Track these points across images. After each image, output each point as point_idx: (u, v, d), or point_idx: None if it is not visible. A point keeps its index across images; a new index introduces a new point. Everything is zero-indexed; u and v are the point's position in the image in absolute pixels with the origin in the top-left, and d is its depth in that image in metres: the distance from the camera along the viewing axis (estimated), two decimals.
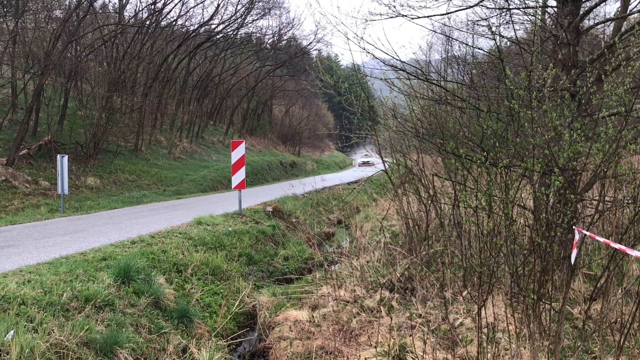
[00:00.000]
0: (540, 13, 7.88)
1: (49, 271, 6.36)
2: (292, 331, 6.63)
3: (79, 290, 5.88)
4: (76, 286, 5.93)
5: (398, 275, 7.56)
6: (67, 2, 23.97)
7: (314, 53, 46.40)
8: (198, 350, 6.11)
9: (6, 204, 15.06)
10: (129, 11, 35.31)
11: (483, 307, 4.63)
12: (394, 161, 9.61)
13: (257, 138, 47.08)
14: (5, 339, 4.54)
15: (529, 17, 9.71)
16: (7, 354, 4.43)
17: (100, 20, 25.27)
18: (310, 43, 44.47)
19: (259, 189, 23.49)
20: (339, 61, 56.60)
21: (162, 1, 28.41)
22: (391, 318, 5.99)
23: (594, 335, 4.96)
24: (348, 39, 9.15)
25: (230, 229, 11.02)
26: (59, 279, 6.08)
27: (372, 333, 5.92)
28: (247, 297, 8.36)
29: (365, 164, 50.00)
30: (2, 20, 19.93)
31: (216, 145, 37.09)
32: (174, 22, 31.74)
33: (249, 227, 11.66)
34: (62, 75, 22.15)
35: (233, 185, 12.41)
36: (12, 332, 4.64)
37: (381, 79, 9.17)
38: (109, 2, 31.46)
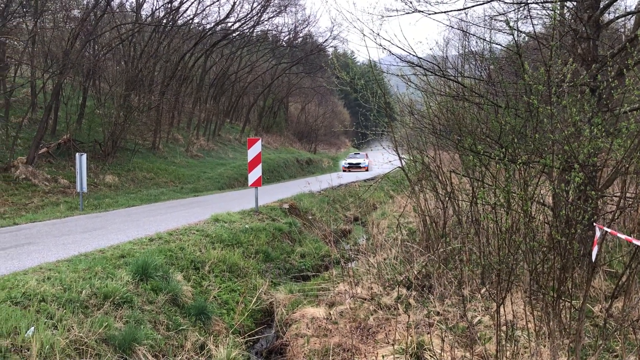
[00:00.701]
0: (559, 7, 7.76)
1: (68, 268, 6.43)
2: (309, 328, 6.64)
3: (97, 287, 5.93)
4: (95, 283, 5.99)
5: (415, 272, 7.52)
6: (85, 2, 24.24)
7: (330, 50, 46.50)
8: (216, 347, 6.15)
9: (26, 202, 15.28)
10: (145, 10, 35.52)
11: (502, 305, 4.58)
12: (411, 158, 9.55)
13: (273, 135, 47.21)
14: (26, 335, 4.60)
15: (548, 11, 9.57)
16: (28, 350, 4.49)
17: (117, 19, 25.47)
18: (326, 40, 44.60)
19: (276, 187, 23.55)
20: (355, 58, 56.45)
21: (179, 0, 28.62)
22: (409, 316, 5.96)
23: (615, 333, 4.88)
24: (364, 35, 9.12)
25: (247, 226, 11.05)
26: (78, 276, 6.15)
27: (390, 330, 5.89)
28: (264, 294, 8.38)
29: (354, 166, 37.02)
30: (21, 20, 20.18)
31: (233, 143, 37.27)
32: (190, 21, 31.95)
33: (265, 225, 11.68)
34: (80, 74, 22.38)
35: (249, 183, 12.45)
36: (32, 328, 4.70)
37: (398, 75, 9.11)
38: (126, 1, 31.74)
